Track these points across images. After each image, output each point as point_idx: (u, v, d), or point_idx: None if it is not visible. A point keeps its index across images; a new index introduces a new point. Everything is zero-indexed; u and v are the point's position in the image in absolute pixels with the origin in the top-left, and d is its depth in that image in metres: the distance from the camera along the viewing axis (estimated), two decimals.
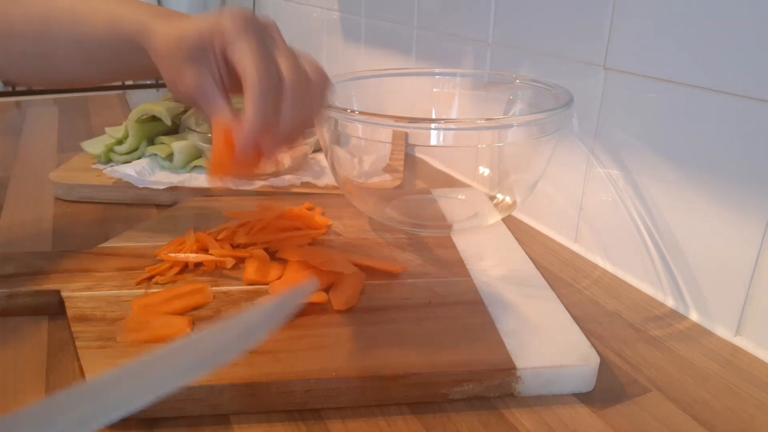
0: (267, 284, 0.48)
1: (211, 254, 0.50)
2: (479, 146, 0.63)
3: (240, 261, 0.51)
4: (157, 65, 0.44)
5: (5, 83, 1.21)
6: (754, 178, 0.43)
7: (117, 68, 0.50)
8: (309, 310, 0.45)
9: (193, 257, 0.49)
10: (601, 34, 0.54)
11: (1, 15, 0.48)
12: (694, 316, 0.49)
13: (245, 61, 0.39)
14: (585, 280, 0.55)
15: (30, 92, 1.26)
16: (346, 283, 0.47)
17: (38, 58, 0.49)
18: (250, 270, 0.48)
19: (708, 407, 0.39)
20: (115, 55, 0.47)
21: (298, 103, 0.40)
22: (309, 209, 0.62)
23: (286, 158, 0.74)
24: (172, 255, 0.49)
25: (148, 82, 1.37)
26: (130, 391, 0.26)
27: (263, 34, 0.41)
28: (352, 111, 0.55)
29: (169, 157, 0.73)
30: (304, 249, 0.51)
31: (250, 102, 0.38)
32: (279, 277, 0.49)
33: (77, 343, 0.41)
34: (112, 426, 0.36)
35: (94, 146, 0.75)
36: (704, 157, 0.47)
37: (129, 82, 1.36)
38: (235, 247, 0.52)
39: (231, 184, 0.42)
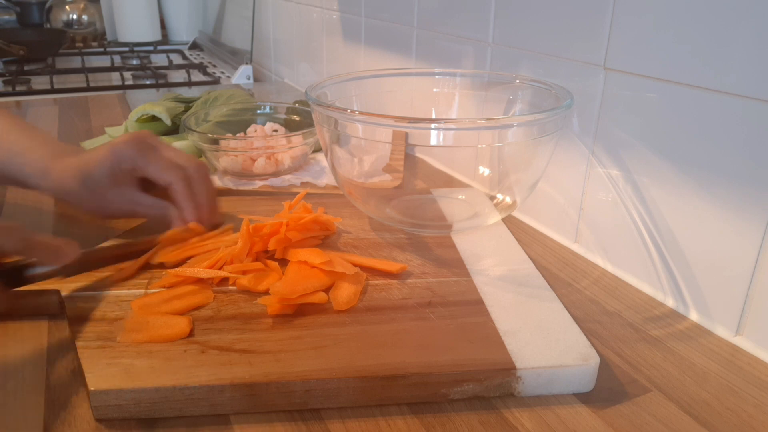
0: (258, 292, 0.47)
1: (223, 271, 0.48)
2: (479, 146, 0.63)
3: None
4: (65, 199, 0.56)
5: None
6: (754, 178, 0.43)
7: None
8: (309, 310, 0.45)
9: (204, 273, 0.48)
10: (601, 34, 0.54)
11: None
12: (694, 316, 0.49)
13: (169, 181, 0.54)
14: (585, 280, 0.55)
15: (30, 92, 1.26)
16: (346, 283, 0.47)
17: None
18: (244, 278, 0.47)
19: (708, 407, 0.39)
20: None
21: (203, 182, 0.57)
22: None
23: (286, 158, 0.74)
24: (184, 270, 0.48)
25: (148, 83, 1.37)
26: None
27: (156, 154, 0.55)
28: (352, 111, 0.55)
29: None
30: (305, 250, 0.51)
31: (183, 204, 0.55)
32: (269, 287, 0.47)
33: (77, 343, 0.41)
34: (112, 426, 0.37)
35: (94, 146, 0.75)
36: (704, 157, 0.47)
37: (129, 82, 1.37)
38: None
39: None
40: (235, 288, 0.48)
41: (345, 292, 0.46)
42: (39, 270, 0.45)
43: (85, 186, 0.54)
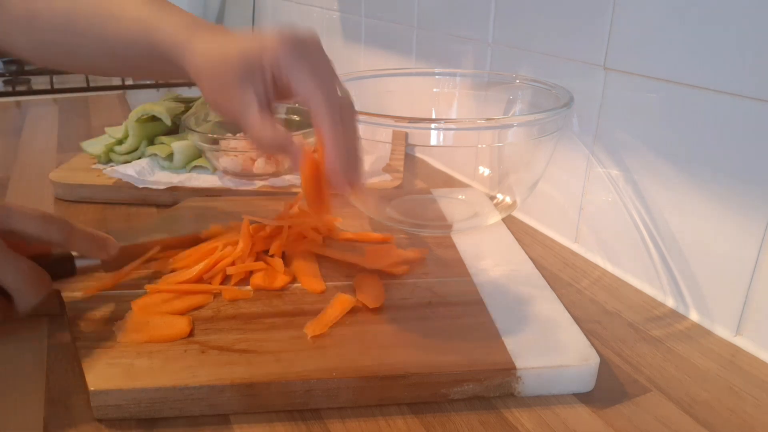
0: (273, 289, 0.48)
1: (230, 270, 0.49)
2: (479, 146, 0.63)
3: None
4: (198, 83, 0.44)
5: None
6: (754, 178, 0.43)
7: (143, 70, 0.49)
8: (309, 311, 0.45)
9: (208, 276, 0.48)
10: (601, 34, 0.54)
11: (25, 2, 0.46)
12: (694, 316, 0.49)
13: (310, 94, 0.39)
14: (585, 280, 0.55)
15: (30, 92, 1.26)
16: (369, 283, 0.48)
17: (61, 48, 0.47)
18: (257, 277, 0.48)
19: (708, 407, 0.39)
20: (143, 60, 0.46)
21: (353, 121, 0.42)
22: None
23: (286, 158, 0.74)
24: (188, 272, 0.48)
25: (148, 83, 1.37)
26: None
27: (312, 58, 0.41)
28: None
29: (169, 157, 0.73)
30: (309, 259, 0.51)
31: (328, 137, 0.39)
32: (285, 284, 0.48)
33: (77, 343, 0.41)
34: (112, 426, 0.37)
35: (94, 146, 0.75)
36: (704, 157, 0.47)
37: (129, 82, 1.37)
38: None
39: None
40: (234, 288, 0.48)
41: (372, 292, 0.47)
42: (83, 262, 0.46)
43: (215, 72, 0.42)
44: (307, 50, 0.41)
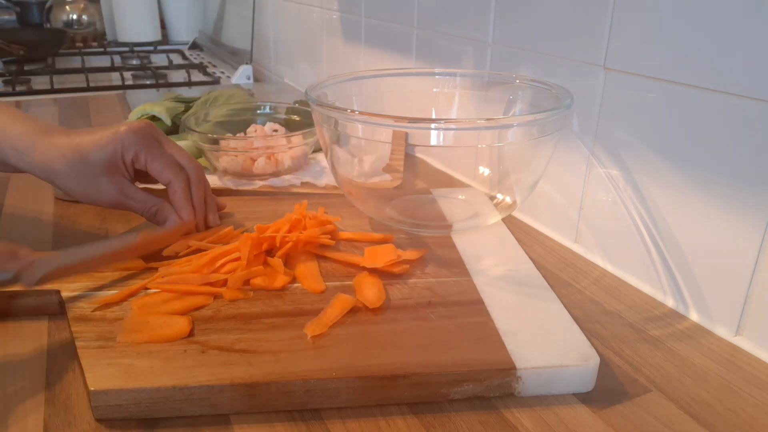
0: (273, 289, 0.48)
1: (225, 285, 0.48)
2: (479, 146, 0.63)
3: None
4: (52, 179, 0.53)
5: None
6: (754, 178, 0.43)
7: None
8: (309, 311, 0.45)
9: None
10: (601, 34, 0.54)
11: None
12: (694, 316, 0.49)
13: (167, 173, 0.54)
14: (585, 280, 0.55)
15: (30, 92, 1.26)
16: (369, 283, 0.48)
17: None
18: (257, 279, 0.48)
19: (708, 407, 0.39)
20: None
21: (202, 180, 0.57)
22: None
23: (286, 158, 0.74)
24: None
25: (148, 83, 1.37)
26: None
27: (163, 146, 0.56)
28: (352, 111, 0.55)
29: None
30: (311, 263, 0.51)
31: (181, 204, 0.55)
32: (285, 284, 0.48)
33: (77, 343, 0.41)
34: (112, 426, 0.37)
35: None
36: (704, 157, 0.47)
37: (129, 82, 1.37)
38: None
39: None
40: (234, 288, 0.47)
41: (372, 292, 0.47)
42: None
43: (76, 168, 0.52)
44: (156, 141, 0.55)
